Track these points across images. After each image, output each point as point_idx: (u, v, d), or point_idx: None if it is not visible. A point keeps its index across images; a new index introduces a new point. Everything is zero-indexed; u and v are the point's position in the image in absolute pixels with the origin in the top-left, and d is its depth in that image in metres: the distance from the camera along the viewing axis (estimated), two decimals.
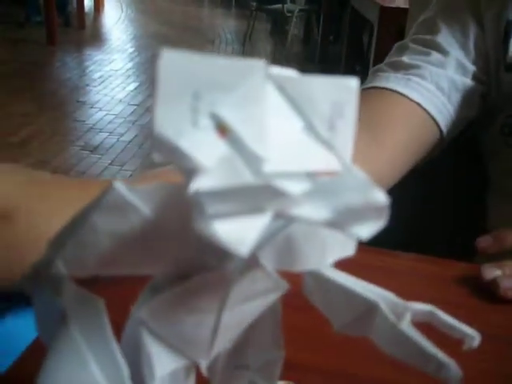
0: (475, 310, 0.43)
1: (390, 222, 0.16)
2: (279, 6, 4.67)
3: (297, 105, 0.16)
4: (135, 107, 3.35)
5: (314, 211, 0.15)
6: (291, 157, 0.16)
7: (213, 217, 0.14)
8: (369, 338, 0.22)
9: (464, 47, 0.64)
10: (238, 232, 0.15)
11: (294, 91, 0.16)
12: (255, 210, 0.15)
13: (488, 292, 0.44)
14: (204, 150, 0.15)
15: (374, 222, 0.16)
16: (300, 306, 0.24)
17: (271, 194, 0.15)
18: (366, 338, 0.22)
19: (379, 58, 0.68)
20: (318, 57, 4.69)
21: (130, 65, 4.28)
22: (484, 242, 0.51)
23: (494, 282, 0.44)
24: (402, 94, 0.61)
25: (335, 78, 0.17)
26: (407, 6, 2.48)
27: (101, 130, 2.98)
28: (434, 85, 0.61)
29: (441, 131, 0.62)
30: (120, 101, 3.45)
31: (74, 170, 2.51)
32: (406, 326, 0.21)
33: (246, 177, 0.15)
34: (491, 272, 0.45)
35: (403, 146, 0.60)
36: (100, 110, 3.28)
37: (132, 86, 3.73)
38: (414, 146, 0.62)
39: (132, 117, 3.20)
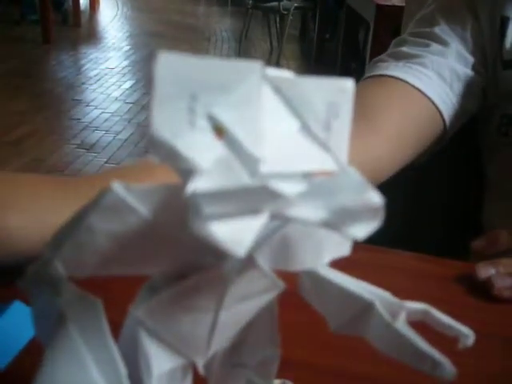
0: (470, 309, 0.44)
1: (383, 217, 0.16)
2: (275, 3, 4.66)
3: (293, 106, 0.17)
4: (131, 105, 3.34)
5: (309, 212, 0.15)
6: (287, 158, 0.16)
7: (210, 218, 0.14)
8: (364, 337, 0.22)
9: (463, 40, 0.63)
10: (235, 233, 0.15)
11: (289, 92, 0.16)
12: (252, 210, 0.15)
13: (483, 290, 0.45)
14: (201, 151, 0.15)
15: (369, 222, 0.16)
16: (296, 304, 0.24)
17: (267, 195, 0.15)
18: (361, 337, 0.22)
19: (375, 56, 0.66)
20: (314, 55, 4.68)
21: (125, 63, 4.26)
22: (478, 245, 0.52)
23: (488, 281, 0.44)
24: (401, 80, 0.59)
25: (331, 78, 0.17)
26: (403, 4, 2.48)
27: (97, 128, 2.97)
28: (436, 73, 0.60)
29: (443, 120, 0.60)
30: (116, 99, 3.44)
31: (69, 168, 2.51)
32: (401, 324, 0.21)
33: (243, 178, 0.15)
34: (486, 271, 0.45)
35: (402, 132, 0.58)
36: (96, 108, 3.27)
37: (128, 84, 3.72)
38: (414, 133, 0.59)
39: (128, 115, 3.19)
